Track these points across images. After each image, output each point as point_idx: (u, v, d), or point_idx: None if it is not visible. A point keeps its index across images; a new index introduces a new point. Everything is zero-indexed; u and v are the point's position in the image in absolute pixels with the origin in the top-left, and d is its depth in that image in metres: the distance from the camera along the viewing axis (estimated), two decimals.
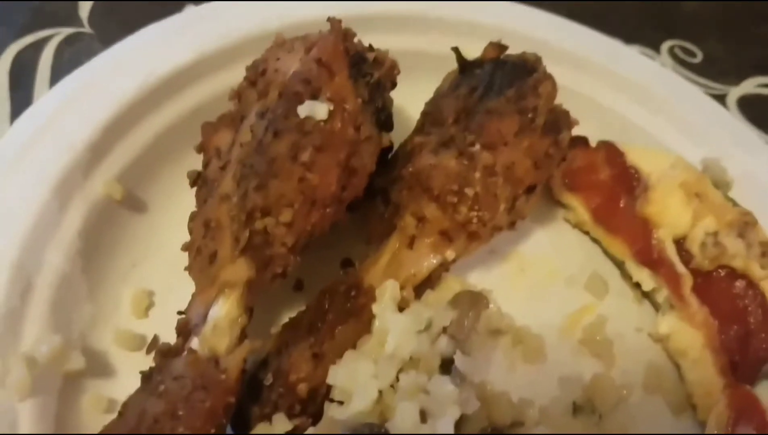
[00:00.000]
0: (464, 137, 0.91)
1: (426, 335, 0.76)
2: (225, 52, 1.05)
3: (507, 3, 1.26)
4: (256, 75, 0.89)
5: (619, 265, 1.07)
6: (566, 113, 0.99)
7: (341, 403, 0.73)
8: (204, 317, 0.77)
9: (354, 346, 0.80)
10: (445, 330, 0.78)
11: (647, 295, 1.04)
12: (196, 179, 0.89)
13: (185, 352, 0.74)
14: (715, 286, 1.00)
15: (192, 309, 0.79)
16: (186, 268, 0.83)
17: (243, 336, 0.79)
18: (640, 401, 0.95)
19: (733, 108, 1.43)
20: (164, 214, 0.98)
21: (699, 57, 1.54)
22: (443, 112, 0.98)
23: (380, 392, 0.72)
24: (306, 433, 0.71)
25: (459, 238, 0.90)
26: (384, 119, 0.89)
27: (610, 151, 1.11)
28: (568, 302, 1.03)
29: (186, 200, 0.89)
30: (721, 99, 1.42)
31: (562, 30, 1.24)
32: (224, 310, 0.77)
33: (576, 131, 1.01)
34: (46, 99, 0.96)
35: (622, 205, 1.07)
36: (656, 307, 1.03)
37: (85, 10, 1.34)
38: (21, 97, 1.16)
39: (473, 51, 1.03)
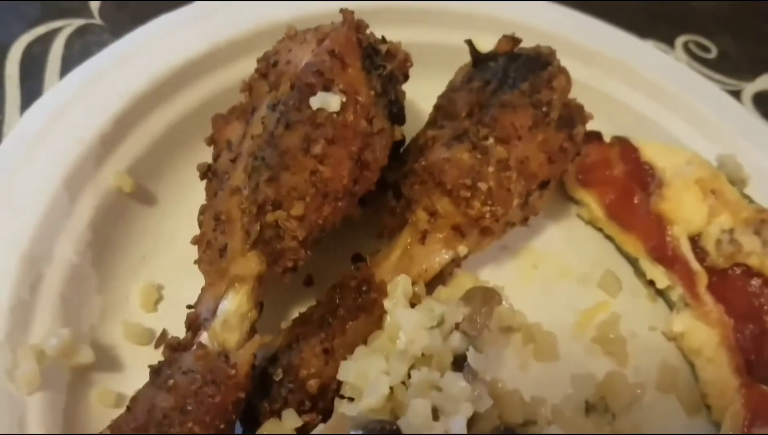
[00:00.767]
0: (477, 131, 0.90)
1: (438, 331, 0.75)
2: (236, 44, 1.05)
3: None
4: (268, 67, 0.88)
5: (633, 262, 1.06)
6: (580, 107, 0.98)
7: (352, 399, 0.73)
8: (213, 311, 0.77)
9: (365, 342, 0.79)
10: (457, 326, 0.77)
11: (661, 293, 1.03)
12: (207, 172, 0.88)
13: (194, 347, 0.74)
14: (730, 284, 0.99)
15: (201, 303, 0.78)
16: (195, 262, 0.82)
17: (253, 331, 0.78)
18: (653, 400, 0.93)
19: (749, 104, 1.41)
20: (174, 206, 0.97)
21: (713, 53, 1.52)
22: (456, 105, 0.97)
23: (391, 389, 0.71)
24: (315, 432, 0.70)
25: (471, 233, 0.89)
26: (396, 112, 0.88)
27: (624, 146, 1.10)
28: (581, 300, 1.02)
29: (196, 193, 0.88)
30: (736, 95, 1.41)
31: (576, 24, 1.23)
32: (234, 304, 0.77)
33: (590, 126, 1.00)
34: (57, 90, 0.96)
35: (636, 202, 1.06)
36: (670, 305, 1.02)
37: (96, 1, 1.33)
38: (31, 88, 1.16)
39: (487, 44, 1.02)
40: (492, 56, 1.01)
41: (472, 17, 1.17)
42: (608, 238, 1.09)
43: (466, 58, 1.03)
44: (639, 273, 1.05)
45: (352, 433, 0.64)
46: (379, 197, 0.92)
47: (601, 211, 1.08)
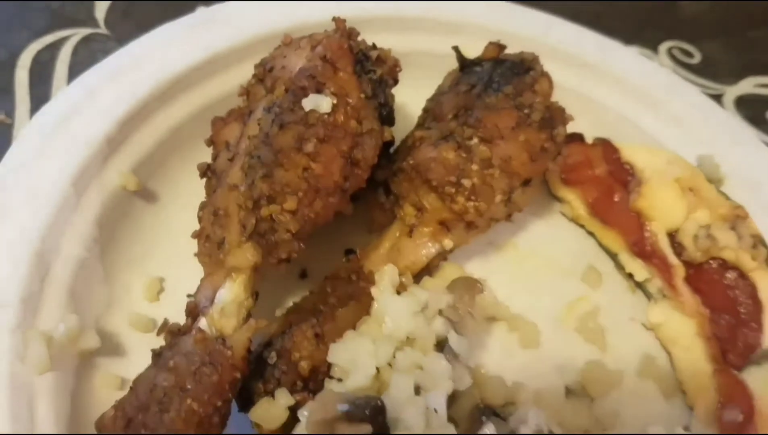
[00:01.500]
0: (463, 131, 0.95)
1: (422, 316, 0.80)
2: (235, 51, 1.10)
3: (506, 3, 1.30)
4: (264, 72, 0.94)
5: (613, 257, 1.10)
6: (562, 109, 1.02)
7: (341, 380, 0.77)
8: (212, 300, 0.82)
9: (354, 328, 0.83)
10: (440, 312, 0.82)
11: (640, 286, 1.07)
12: (206, 171, 0.94)
13: (193, 332, 0.79)
14: (706, 277, 1.04)
15: (200, 292, 0.83)
16: (195, 254, 0.87)
17: (249, 318, 0.83)
18: (631, 386, 0.98)
19: (730, 107, 1.46)
20: (175, 204, 1.03)
21: (697, 58, 1.57)
22: (443, 107, 1.02)
23: (378, 370, 0.76)
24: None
25: (457, 227, 0.94)
26: (386, 114, 0.93)
27: (606, 147, 1.14)
28: (564, 292, 1.06)
29: (196, 191, 0.93)
30: (718, 99, 1.46)
31: (559, 30, 1.28)
32: (231, 293, 0.82)
33: (572, 128, 1.05)
34: (64, 95, 1.01)
35: (616, 199, 1.10)
36: (649, 297, 1.06)
37: (101, 11, 1.39)
38: (40, 94, 1.22)
39: (474, 50, 1.07)
40: (478, 62, 1.06)
41: (460, 25, 1.22)
42: (590, 234, 1.13)
43: (454, 63, 1.08)
44: (619, 267, 1.10)
45: (339, 406, 0.68)
46: (370, 195, 0.98)
47: (584, 209, 1.13)
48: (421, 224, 0.93)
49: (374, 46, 0.95)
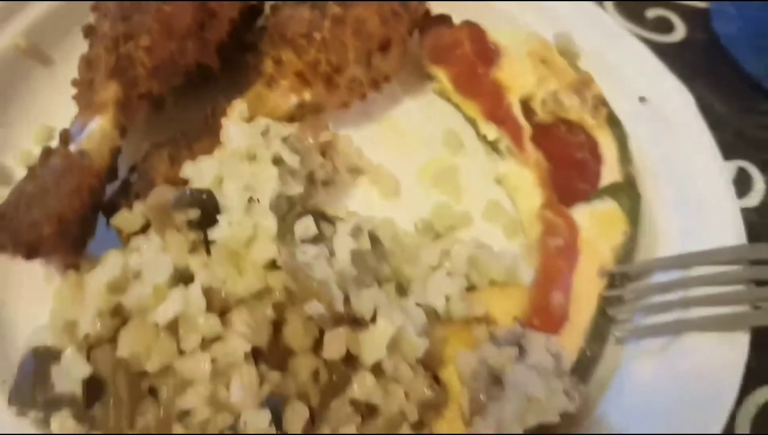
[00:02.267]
0: None
1: (262, 138, 0.91)
2: None
3: None
4: None
5: (474, 124, 1.21)
6: None
7: None
8: (82, 131, 0.93)
9: None
10: (284, 140, 0.94)
11: (495, 148, 1.19)
12: (89, 31, 1.04)
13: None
14: (553, 136, 1.16)
15: (73, 126, 0.94)
16: (73, 97, 0.98)
17: (117, 151, 0.94)
18: (479, 228, 1.10)
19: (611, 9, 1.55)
20: (66, 66, 1.12)
21: None
22: None
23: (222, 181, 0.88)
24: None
25: (315, 83, 1.05)
26: None
27: (473, 29, 1.26)
28: (426, 155, 1.18)
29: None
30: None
31: None
32: (98, 125, 0.93)
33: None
34: None
35: (479, 73, 1.22)
36: (500, 155, 1.18)
37: None
38: None
39: None
40: None
41: None
42: (457, 107, 1.25)
43: None
44: (480, 136, 1.21)
45: (171, 195, 0.80)
46: (241, 58, 1.09)
47: (450, 84, 1.24)
48: (279, 76, 1.04)
49: None
